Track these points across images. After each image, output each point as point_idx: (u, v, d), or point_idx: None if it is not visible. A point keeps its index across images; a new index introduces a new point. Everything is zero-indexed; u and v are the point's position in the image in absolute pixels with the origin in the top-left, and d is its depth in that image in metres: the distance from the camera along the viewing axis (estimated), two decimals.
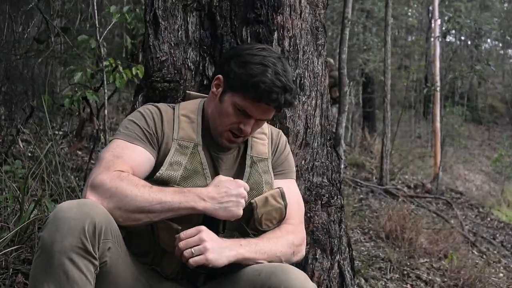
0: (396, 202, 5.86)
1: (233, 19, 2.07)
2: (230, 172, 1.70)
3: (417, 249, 4.24)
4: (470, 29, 9.79)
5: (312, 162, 2.19)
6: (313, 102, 2.20)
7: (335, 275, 2.20)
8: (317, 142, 2.22)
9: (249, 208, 1.61)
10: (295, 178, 1.84)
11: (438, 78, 10.10)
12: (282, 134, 1.87)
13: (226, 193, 1.51)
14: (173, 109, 1.73)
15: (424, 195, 7.43)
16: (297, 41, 2.14)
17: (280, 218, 1.67)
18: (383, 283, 3.43)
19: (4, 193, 2.77)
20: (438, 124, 9.97)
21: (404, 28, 19.20)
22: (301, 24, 2.15)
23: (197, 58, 2.08)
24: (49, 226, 1.33)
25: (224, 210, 1.50)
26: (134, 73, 3.48)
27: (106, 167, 1.51)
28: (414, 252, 4.18)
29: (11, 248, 2.27)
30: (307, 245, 1.82)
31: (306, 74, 2.18)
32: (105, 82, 3.32)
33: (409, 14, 14.07)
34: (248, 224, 1.62)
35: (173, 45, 2.07)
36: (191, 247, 1.47)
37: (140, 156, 1.59)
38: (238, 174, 1.70)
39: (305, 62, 2.17)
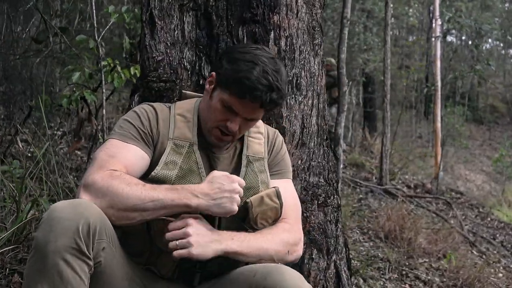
0: (396, 202, 5.85)
1: (229, 19, 2.06)
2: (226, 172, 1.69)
3: (416, 249, 4.24)
4: (470, 29, 9.78)
5: (308, 162, 2.19)
6: (310, 101, 2.20)
7: (331, 275, 2.19)
8: (314, 142, 2.21)
9: (245, 207, 1.60)
10: (291, 178, 1.83)
11: (439, 78, 10.08)
12: (279, 133, 1.87)
13: (220, 189, 1.49)
14: (169, 108, 1.73)
15: (424, 195, 7.42)
16: (294, 40, 2.14)
17: (275, 217, 1.67)
18: (382, 283, 3.42)
19: (1, 193, 2.77)
20: (438, 124, 9.96)
21: (405, 28, 19.20)
22: (298, 23, 2.15)
23: (193, 58, 2.07)
24: (43, 226, 1.33)
25: (218, 206, 1.48)
26: (132, 73, 3.49)
27: (99, 167, 1.51)
28: (413, 252, 4.17)
29: (7, 248, 2.27)
30: (303, 244, 1.81)
31: (303, 73, 2.17)
32: (103, 82, 3.32)
33: (410, 14, 14.04)
34: (243, 223, 1.62)
35: (169, 44, 2.07)
36: (176, 239, 1.47)
37: (134, 155, 1.59)
38: (234, 173, 1.69)
39: (302, 62, 2.17)
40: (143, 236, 1.59)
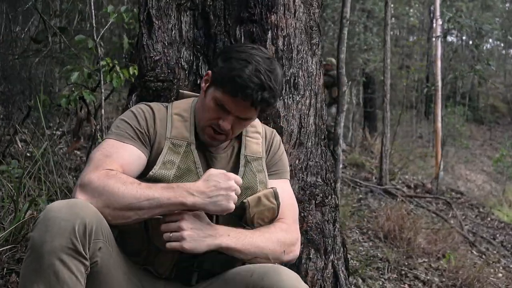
0: (395, 202, 5.85)
1: (227, 18, 2.06)
2: None
3: (415, 249, 4.23)
4: (471, 29, 9.76)
5: (306, 161, 2.18)
6: (307, 101, 2.19)
7: (329, 275, 2.19)
8: (311, 142, 2.21)
9: (242, 207, 1.61)
10: (289, 178, 1.83)
11: (439, 78, 10.08)
12: (276, 133, 1.87)
13: (216, 186, 1.48)
14: (166, 108, 1.72)
15: (424, 195, 7.41)
16: (291, 40, 2.13)
17: (272, 217, 1.67)
18: (381, 283, 3.42)
19: (0, 193, 2.77)
20: (439, 124, 9.96)
21: (405, 28, 19.20)
22: (295, 23, 2.15)
23: (191, 58, 2.07)
24: (39, 226, 1.33)
25: (213, 204, 1.47)
26: (131, 72, 3.48)
27: (95, 166, 1.51)
28: (412, 252, 4.17)
29: (5, 248, 2.27)
30: (301, 244, 1.81)
31: (300, 73, 2.17)
32: (102, 82, 3.32)
33: (410, 14, 14.04)
34: (240, 222, 1.62)
35: (166, 44, 2.06)
36: (170, 232, 1.48)
37: (131, 155, 1.59)
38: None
39: (299, 62, 2.17)
40: (141, 235, 1.58)
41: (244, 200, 1.61)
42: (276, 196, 1.66)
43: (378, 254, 4.02)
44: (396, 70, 13.40)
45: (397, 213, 4.67)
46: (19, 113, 4.09)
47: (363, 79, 12.35)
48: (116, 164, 1.53)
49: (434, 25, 12.07)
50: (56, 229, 1.30)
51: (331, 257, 2.21)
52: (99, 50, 3.36)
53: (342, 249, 2.33)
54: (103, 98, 3.36)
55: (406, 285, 3.53)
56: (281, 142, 1.86)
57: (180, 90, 1.91)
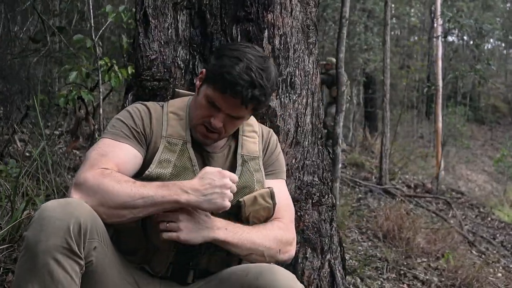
0: (395, 202, 5.84)
1: (223, 17, 2.06)
2: None
3: (414, 249, 4.23)
4: (471, 29, 9.76)
5: (302, 160, 2.18)
6: (304, 100, 2.19)
7: (325, 275, 2.18)
8: (308, 141, 2.20)
9: (237, 206, 1.60)
10: (285, 178, 1.83)
11: (440, 78, 10.08)
12: (273, 133, 1.86)
13: (210, 184, 1.47)
14: (162, 107, 1.72)
15: (423, 194, 7.41)
16: (288, 39, 2.13)
17: (267, 217, 1.67)
18: (379, 283, 3.41)
19: None
20: (440, 124, 9.96)
21: (406, 28, 19.19)
22: (292, 22, 2.14)
23: (187, 57, 2.07)
24: (34, 226, 1.32)
25: (208, 202, 1.46)
26: (130, 72, 3.48)
27: (90, 166, 1.51)
28: (411, 252, 4.16)
29: (2, 247, 2.27)
30: (297, 244, 1.80)
31: (297, 72, 2.16)
32: (101, 82, 3.32)
33: (411, 14, 14.03)
34: (236, 220, 1.62)
35: (163, 43, 2.06)
36: (167, 221, 1.48)
37: (126, 154, 1.58)
38: None
39: (296, 61, 2.16)
40: (137, 233, 1.58)
41: (240, 200, 1.60)
42: (272, 195, 1.66)
43: (377, 253, 4.01)
44: (397, 70, 13.39)
45: (396, 213, 4.67)
46: (18, 112, 4.09)
47: (364, 79, 12.34)
48: (111, 163, 1.53)
49: (435, 25, 12.07)
50: (50, 228, 1.30)
51: (328, 256, 2.21)
52: (97, 50, 3.36)
53: (339, 248, 2.32)
54: (102, 97, 3.36)
55: (405, 284, 3.53)
56: (278, 142, 1.85)
57: (176, 89, 1.91)
